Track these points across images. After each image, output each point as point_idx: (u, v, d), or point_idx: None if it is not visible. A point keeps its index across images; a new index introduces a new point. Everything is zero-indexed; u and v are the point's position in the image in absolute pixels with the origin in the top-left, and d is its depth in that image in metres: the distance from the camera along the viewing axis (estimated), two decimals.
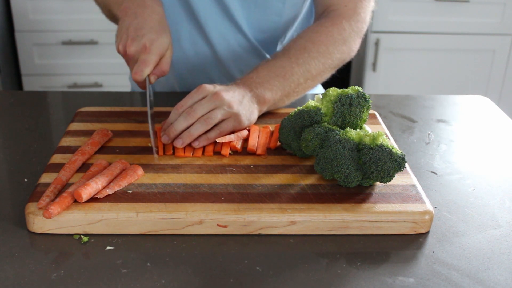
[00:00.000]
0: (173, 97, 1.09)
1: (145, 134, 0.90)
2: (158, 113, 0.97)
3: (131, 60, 0.90)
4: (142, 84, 0.91)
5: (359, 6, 1.03)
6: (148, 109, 0.85)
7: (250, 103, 0.89)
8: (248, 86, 0.90)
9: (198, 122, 0.84)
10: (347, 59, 1.03)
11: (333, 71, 1.02)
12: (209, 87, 0.87)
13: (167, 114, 0.94)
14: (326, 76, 1.01)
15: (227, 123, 0.86)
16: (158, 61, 0.89)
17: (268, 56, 1.10)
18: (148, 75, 0.89)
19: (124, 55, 0.90)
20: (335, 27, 1.00)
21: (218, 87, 0.88)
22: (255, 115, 0.90)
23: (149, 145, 0.87)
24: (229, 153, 0.85)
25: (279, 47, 1.14)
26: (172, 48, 0.93)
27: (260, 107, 0.91)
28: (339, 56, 0.99)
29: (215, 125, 0.86)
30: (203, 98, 0.86)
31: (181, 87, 1.18)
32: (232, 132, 0.88)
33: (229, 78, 1.12)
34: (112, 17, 1.04)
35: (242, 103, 0.87)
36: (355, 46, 1.04)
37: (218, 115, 0.85)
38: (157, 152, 0.84)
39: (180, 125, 0.84)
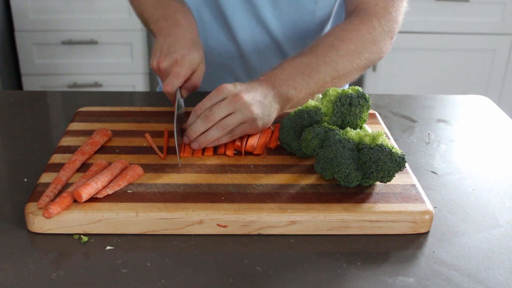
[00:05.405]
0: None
1: (145, 134, 0.90)
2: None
3: (164, 75, 0.91)
4: (173, 97, 0.90)
5: (390, 5, 1.00)
6: (174, 123, 0.84)
7: (272, 102, 0.86)
8: (272, 84, 0.87)
9: (215, 127, 0.83)
10: (377, 60, 0.99)
11: (362, 72, 0.98)
12: (229, 88, 0.84)
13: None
14: (354, 76, 0.97)
15: (241, 128, 0.84)
16: (189, 75, 0.90)
17: None
18: (180, 89, 0.90)
19: (158, 71, 0.91)
20: (365, 25, 0.96)
21: (238, 87, 0.84)
22: (272, 117, 0.87)
23: (150, 146, 0.87)
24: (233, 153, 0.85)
25: None
26: (204, 64, 0.93)
27: (281, 106, 0.88)
28: (368, 55, 0.95)
29: None
30: (222, 99, 0.83)
31: (204, 85, 1.16)
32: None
33: (253, 77, 1.11)
34: (148, 27, 1.05)
35: (263, 104, 0.85)
36: (386, 46, 1.00)
37: (235, 121, 0.83)
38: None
39: (198, 129, 0.83)
